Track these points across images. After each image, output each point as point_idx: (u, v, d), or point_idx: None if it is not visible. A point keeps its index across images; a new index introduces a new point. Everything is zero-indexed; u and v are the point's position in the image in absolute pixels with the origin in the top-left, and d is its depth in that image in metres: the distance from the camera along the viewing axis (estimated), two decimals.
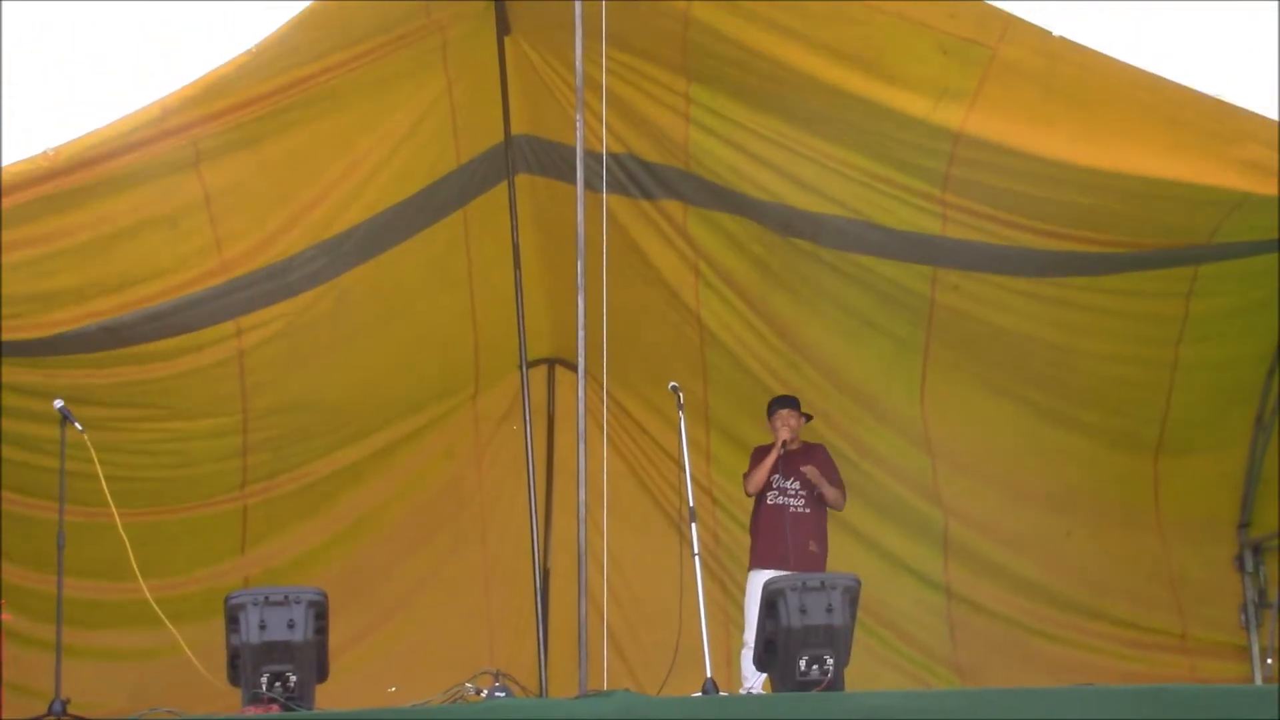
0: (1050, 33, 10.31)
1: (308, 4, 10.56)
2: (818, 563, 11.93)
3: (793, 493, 12.10)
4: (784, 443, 12.09)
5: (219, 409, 12.15)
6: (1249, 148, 10.25)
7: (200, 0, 10.70)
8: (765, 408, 12.34)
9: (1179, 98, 10.30)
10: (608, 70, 11.14)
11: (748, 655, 11.45)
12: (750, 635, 11.55)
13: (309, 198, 11.58)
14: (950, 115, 10.81)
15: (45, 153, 10.18)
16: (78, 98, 10.22)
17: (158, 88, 10.32)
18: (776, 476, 12.10)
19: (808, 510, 12.08)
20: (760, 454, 12.24)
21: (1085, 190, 10.98)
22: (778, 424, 12.19)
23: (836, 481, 12.20)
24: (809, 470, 12.06)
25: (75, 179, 10.35)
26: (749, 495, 12.27)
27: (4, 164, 10.09)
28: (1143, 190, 10.76)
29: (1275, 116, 10.37)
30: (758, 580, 11.83)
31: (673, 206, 12.46)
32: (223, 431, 12.30)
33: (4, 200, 10.10)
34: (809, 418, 12.36)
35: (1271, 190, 10.35)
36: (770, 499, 12.11)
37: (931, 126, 10.94)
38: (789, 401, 12.29)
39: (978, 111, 10.73)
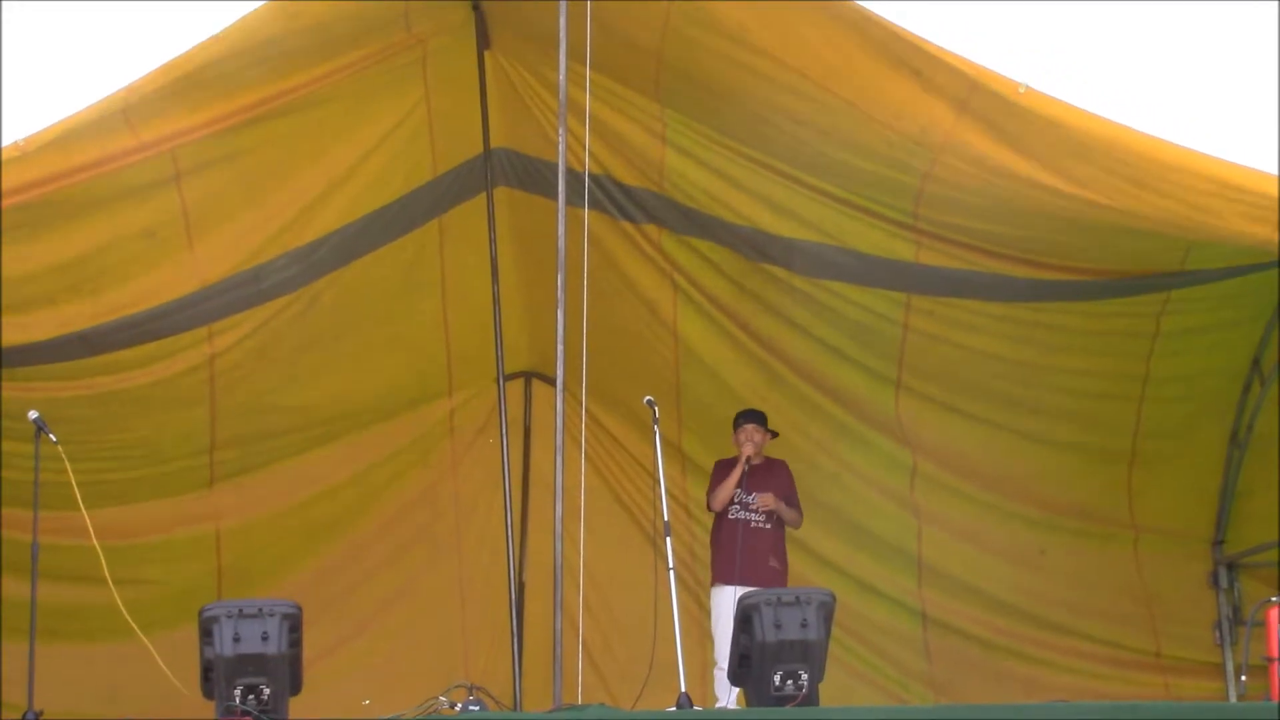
0: (1018, 86, 10.25)
1: (289, 13, 10.54)
2: (779, 578, 11.88)
3: (754, 508, 12.02)
4: (749, 459, 12.01)
5: (188, 412, 12.16)
6: (1219, 198, 10.19)
7: (201, 0, 10.67)
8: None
9: (1147, 150, 10.23)
10: (584, 90, 11.16)
11: (720, 676, 11.43)
12: (720, 655, 11.52)
13: (283, 203, 11.58)
14: (924, 144, 10.81)
15: (15, 143, 10.11)
16: (78, 98, 10.17)
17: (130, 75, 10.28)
18: (739, 491, 12.02)
19: (768, 526, 12.01)
20: (722, 468, 12.16)
21: (1057, 228, 11.00)
22: (742, 438, 12.10)
23: (795, 502, 12.14)
24: (766, 499, 11.94)
25: (55, 188, 10.31)
26: (712, 511, 12.21)
27: None
28: (1111, 225, 10.77)
29: (1275, 118, 10.34)
30: (719, 597, 11.81)
31: (651, 228, 12.49)
32: (191, 432, 12.31)
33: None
34: (775, 434, 12.29)
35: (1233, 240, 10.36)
36: (731, 514, 12.01)
37: (901, 162, 10.97)
38: (755, 416, 12.19)
39: (940, 166, 10.74)
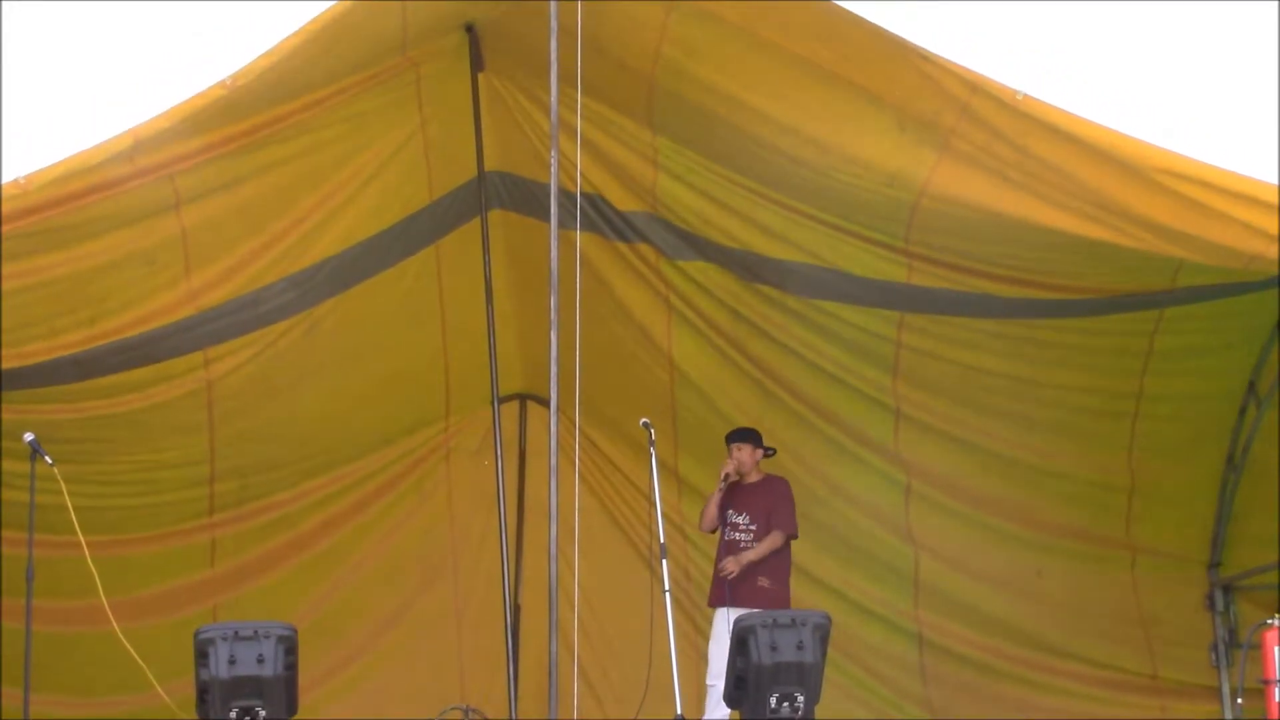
0: (1016, 93, 10.24)
1: (287, 40, 10.53)
2: (771, 598, 11.71)
3: (743, 527, 11.90)
4: (726, 475, 11.89)
5: (186, 438, 12.15)
6: (1229, 211, 10.14)
7: (204, 0, 10.67)
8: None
9: (1156, 161, 10.18)
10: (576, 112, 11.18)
11: (714, 696, 11.40)
12: (712, 674, 11.49)
13: (281, 229, 11.58)
14: (910, 181, 10.82)
15: (16, 181, 10.08)
16: (77, 98, 10.16)
17: (143, 105, 10.25)
18: (730, 511, 11.95)
19: (755, 545, 11.91)
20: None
21: (1046, 248, 11.00)
22: (728, 457, 12.07)
23: (781, 520, 11.90)
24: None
25: (54, 214, 10.29)
26: (703, 532, 12.17)
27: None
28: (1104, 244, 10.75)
29: (1275, 119, 10.28)
30: (715, 618, 11.73)
31: (645, 249, 12.52)
32: (189, 460, 12.29)
33: None
34: (771, 452, 12.21)
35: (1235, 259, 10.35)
36: (725, 534, 11.94)
37: (889, 194, 10.98)
38: (742, 435, 12.11)
39: (935, 182, 10.73)
